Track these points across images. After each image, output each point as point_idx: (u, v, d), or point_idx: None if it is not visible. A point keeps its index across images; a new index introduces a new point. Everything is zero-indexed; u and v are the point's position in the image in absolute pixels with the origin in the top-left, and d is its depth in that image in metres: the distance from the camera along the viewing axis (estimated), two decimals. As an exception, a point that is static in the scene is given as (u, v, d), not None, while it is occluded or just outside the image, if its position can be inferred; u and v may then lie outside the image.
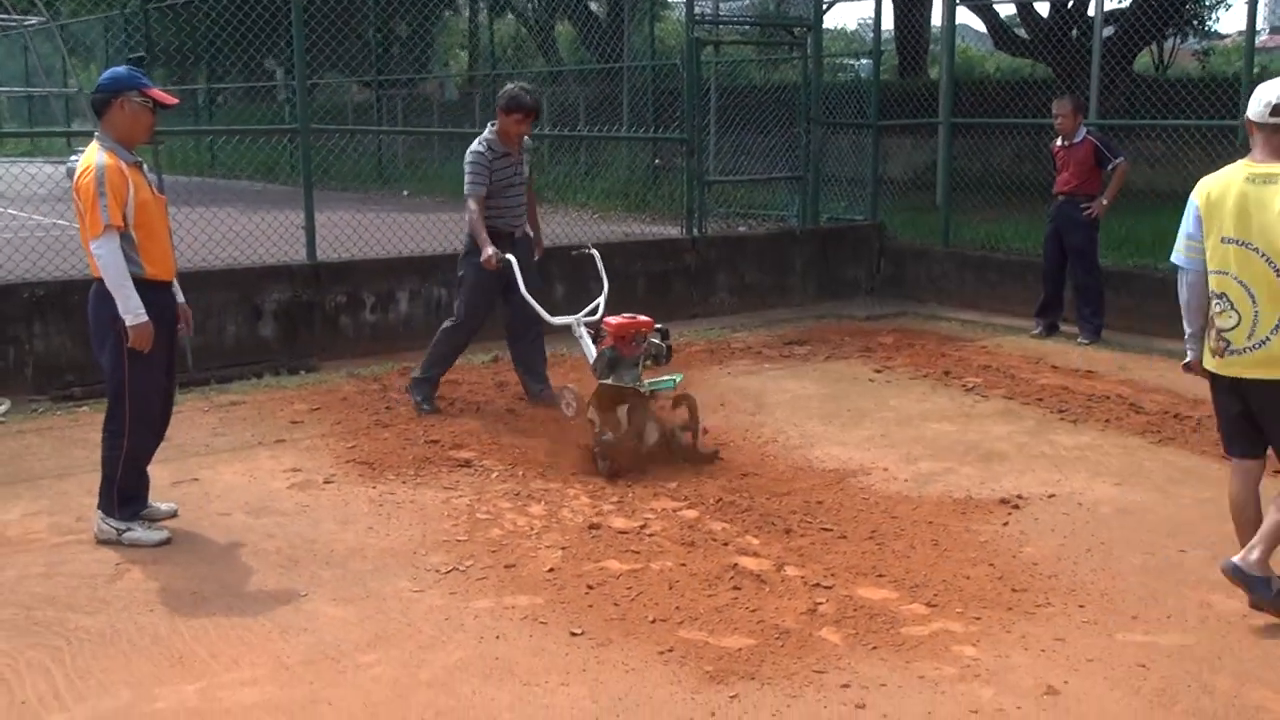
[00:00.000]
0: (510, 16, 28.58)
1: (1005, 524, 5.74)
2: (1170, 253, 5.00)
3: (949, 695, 4.08)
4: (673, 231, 12.06)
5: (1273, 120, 4.64)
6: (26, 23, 21.82)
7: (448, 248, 10.23)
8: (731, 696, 4.07)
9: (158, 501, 5.76)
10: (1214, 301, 4.77)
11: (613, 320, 6.59)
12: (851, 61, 17.17)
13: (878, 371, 8.99)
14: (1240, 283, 4.64)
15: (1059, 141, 10.25)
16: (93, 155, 5.31)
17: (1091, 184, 10.04)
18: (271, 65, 32.81)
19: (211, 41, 24.61)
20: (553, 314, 7.20)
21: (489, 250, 7.20)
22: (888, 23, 25.82)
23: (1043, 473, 6.53)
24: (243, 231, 9.55)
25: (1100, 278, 10.14)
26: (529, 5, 31.36)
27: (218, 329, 8.79)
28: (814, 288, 12.17)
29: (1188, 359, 5.05)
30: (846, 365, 9.25)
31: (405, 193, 19.46)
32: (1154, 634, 4.57)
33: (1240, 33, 42.80)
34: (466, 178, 7.44)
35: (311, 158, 9.56)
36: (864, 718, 3.94)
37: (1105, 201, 9.96)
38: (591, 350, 6.72)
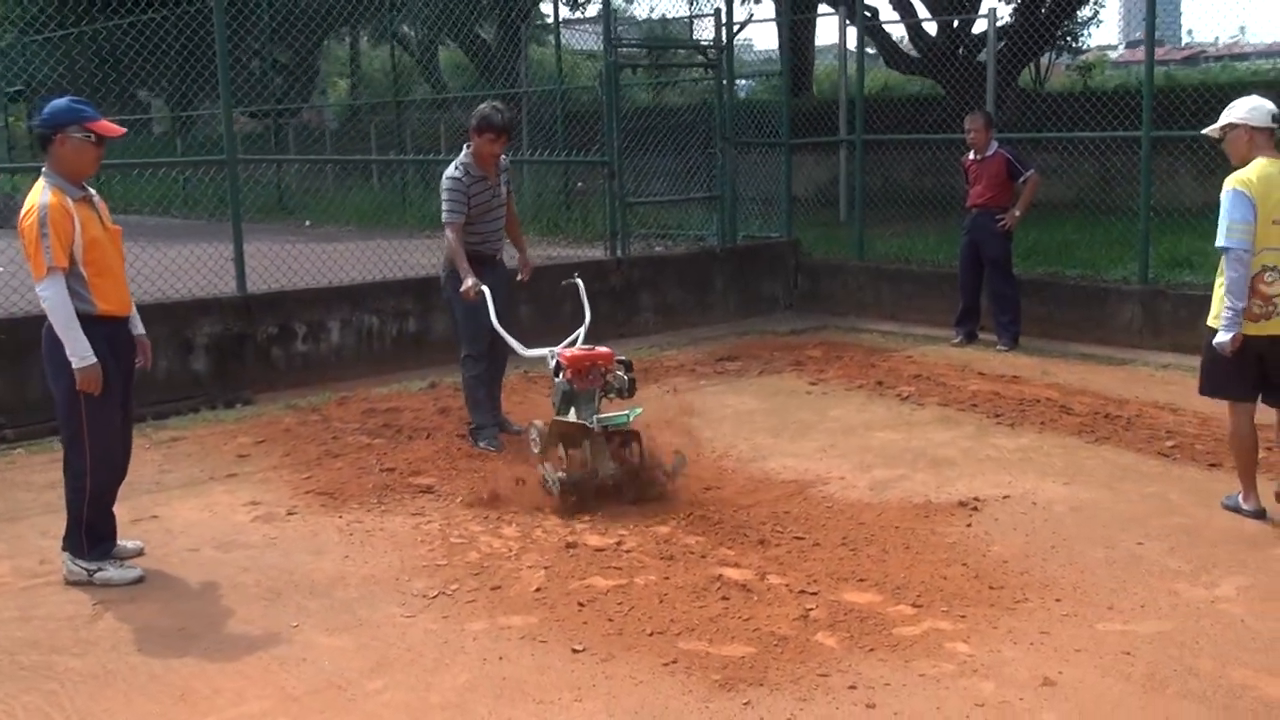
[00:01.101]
0: (392, 44, 28.44)
1: (969, 525, 5.92)
2: (1216, 238, 5.83)
3: (952, 690, 4.21)
4: (591, 254, 12.15)
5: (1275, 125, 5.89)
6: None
7: (375, 275, 10.21)
8: (744, 703, 4.14)
9: (123, 540, 5.65)
10: (1267, 273, 5.75)
11: (567, 352, 6.40)
12: (739, 81, 17.46)
13: (813, 384, 9.17)
14: None
15: (970, 155, 10.57)
16: (36, 194, 5.19)
17: (1004, 196, 10.38)
18: (146, 96, 32.25)
19: (91, 74, 24.11)
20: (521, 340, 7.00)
21: (469, 281, 6.96)
22: (769, 43, 26.24)
23: (993, 475, 6.74)
24: (162, 265, 9.36)
25: (1016, 286, 10.47)
26: (411, 32, 31.25)
27: (149, 363, 8.59)
28: (735, 305, 12.35)
29: (1230, 334, 5.80)
30: (781, 379, 9.42)
31: (307, 223, 19.22)
32: (1132, 623, 4.76)
33: (1100, 48, 44.35)
34: (444, 205, 7.18)
35: (239, 189, 9.41)
36: (876, 717, 4.04)
37: (1019, 213, 10.30)
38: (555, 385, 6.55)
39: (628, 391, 6.40)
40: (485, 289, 7.01)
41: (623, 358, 6.51)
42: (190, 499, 6.54)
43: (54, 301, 5.13)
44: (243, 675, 4.43)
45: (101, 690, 4.33)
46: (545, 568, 5.41)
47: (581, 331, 6.90)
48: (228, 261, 9.49)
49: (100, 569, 5.34)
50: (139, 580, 5.35)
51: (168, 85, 26.37)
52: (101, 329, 5.27)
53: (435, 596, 5.13)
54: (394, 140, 22.53)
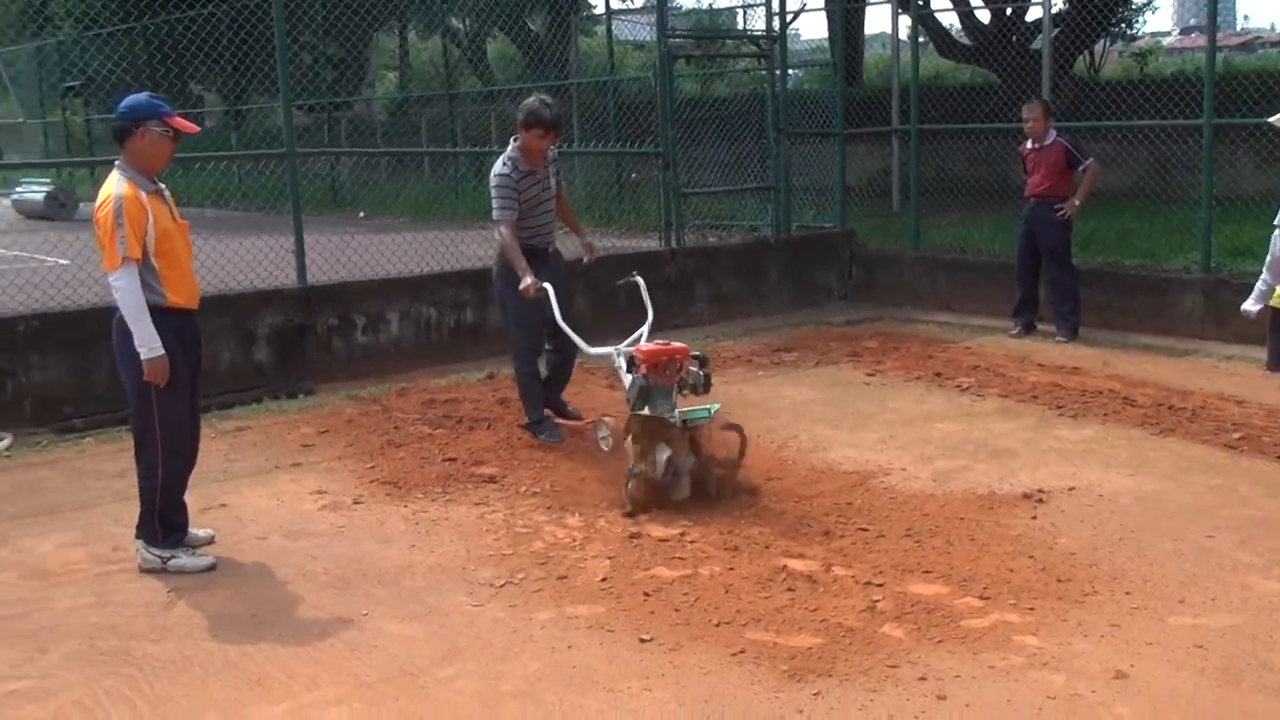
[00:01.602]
0: (438, 36, 28.50)
1: (1034, 517, 5.88)
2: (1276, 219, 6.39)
3: (1022, 683, 4.19)
4: (646, 244, 12.17)
5: None
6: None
7: (431, 267, 10.28)
8: (814, 694, 4.15)
9: (194, 528, 5.74)
10: None
11: (645, 347, 6.32)
12: (790, 72, 17.44)
13: (870, 375, 9.15)
14: None
15: (1028, 144, 10.48)
16: (111, 186, 5.27)
17: (1063, 185, 10.29)
18: (198, 90, 32.58)
19: (144, 69, 24.37)
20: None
21: (527, 280, 6.91)
22: (815, 32, 26.17)
23: (1056, 467, 6.70)
24: (224, 257, 9.46)
25: (1075, 276, 10.38)
26: (461, 24, 31.38)
27: (213, 354, 8.70)
28: (789, 295, 12.33)
29: (1259, 306, 6.73)
30: (838, 370, 9.40)
31: (361, 214, 19.38)
32: (1203, 616, 4.72)
33: (1153, 35, 43.89)
34: (495, 202, 7.11)
35: (299, 181, 9.51)
36: (947, 708, 4.04)
37: (1078, 202, 10.21)
38: (628, 381, 6.46)
39: (703, 387, 6.31)
40: (548, 286, 6.94)
41: (698, 353, 6.42)
42: (258, 488, 6.62)
43: (126, 291, 5.21)
44: (315, 662, 4.50)
45: (179, 675, 4.40)
46: (610, 558, 5.44)
47: (645, 329, 6.82)
48: (286, 253, 9.59)
49: (173, 556, 5.42)
50: (211, 568, 5.43)
51: (221, 79, 26.66)
52: (171, 321, 5.34)
53: (502, 585, 5.17)
54: (445, 132, 22.65)
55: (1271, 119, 6.47)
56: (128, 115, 5.35)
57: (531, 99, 7.20)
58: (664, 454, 5.98)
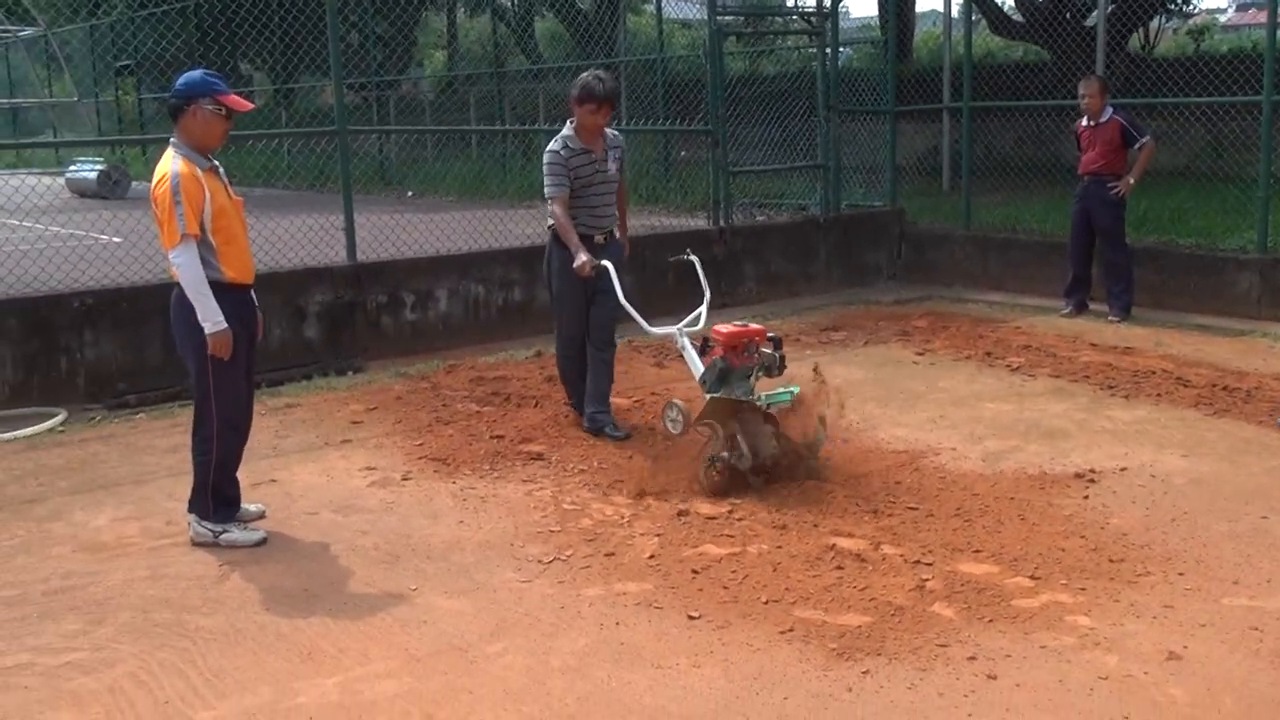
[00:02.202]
0: (486, 15, 28.47)
1: (1085, 497, 5.83)
2: None
3: (1075, 664, 4.16)
4: (693, 223, 12.14)
5: None
6: (21, 33, 21.68)
7: (479, 245, 10.31)
8: (864, 673, 4.13)
9: (246, 503, 5.79)
10: None
11: (723, 329, 6.12)
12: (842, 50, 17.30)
13: (919, 355, 9.09)
14: None
15: (1084, 121, 10.35)
16: (168, 163, 5.29)
17: (1118, 163, 10.16)
18: (247, 69, 32.80)
19: (195, 48, 24.56)
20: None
21: (582, 257, 6.67)
22: (864, 9, 25.92)
23: (1109, 447, 6.63)
24: (275, 235, 9.52)
25: (1129, 255, 10.26)
26: (509, 3, 31.39)
27: (263, 332, 8.78)
28: (838, 274, 12.27)
29: None
30: (887, 349, 9.34)
31: (409, 193, 19.45)
32: (1259, 599, 4.66)
33: (1208, 11, 43.09)
34: (545, 180, 6.92)
35: (349, 160, 9.54)
36: (997, 688, 4.01)
37: (1133, 180, 10.07)
38: (697, 362, 6.24)
39: (778, 369, 6.16)
40: (609, 265, 6.68)
41: (773, 334, 6.24)
42: (308, 464, 6.67)
43: (187, 268, 5.23)
44: (366, 636, 4.53)
45: (231, 648, 4.45)
46: (658, 535, 5.45)
47: (703, 309, 6.60)
48: (336, 231, 9.64)
49: (225, 530, 5.48)
50: (262, 542, 5.48)
51: (270, 58, 26.83)
52: (229, 296, 5.36)
53: (550, 562, 5.19)
54: (493, 110, 22.68)
55: None
56: (181, 93, 5.36)
57: (585, 74, 6.99)
58: (750, 441, 5.88)
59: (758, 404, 5.92)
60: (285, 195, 17.37)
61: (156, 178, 5.31)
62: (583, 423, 7.16)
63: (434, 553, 5.34)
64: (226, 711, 3.98)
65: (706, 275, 6.89)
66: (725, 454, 5.93)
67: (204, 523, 5.49)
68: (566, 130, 7.00)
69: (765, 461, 5.94)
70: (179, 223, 5.18)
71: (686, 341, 6.37)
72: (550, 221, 7.05)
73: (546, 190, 6.95)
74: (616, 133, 7.23)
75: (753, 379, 6.11)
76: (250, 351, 5.66)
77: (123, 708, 4.01)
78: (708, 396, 5.98)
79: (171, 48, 23.06)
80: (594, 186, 7.00)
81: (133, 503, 6.10)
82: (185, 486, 5.64)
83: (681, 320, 6.50)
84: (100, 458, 6.91)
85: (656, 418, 7.37)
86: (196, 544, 5.48)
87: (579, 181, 6.95)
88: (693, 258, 7.06)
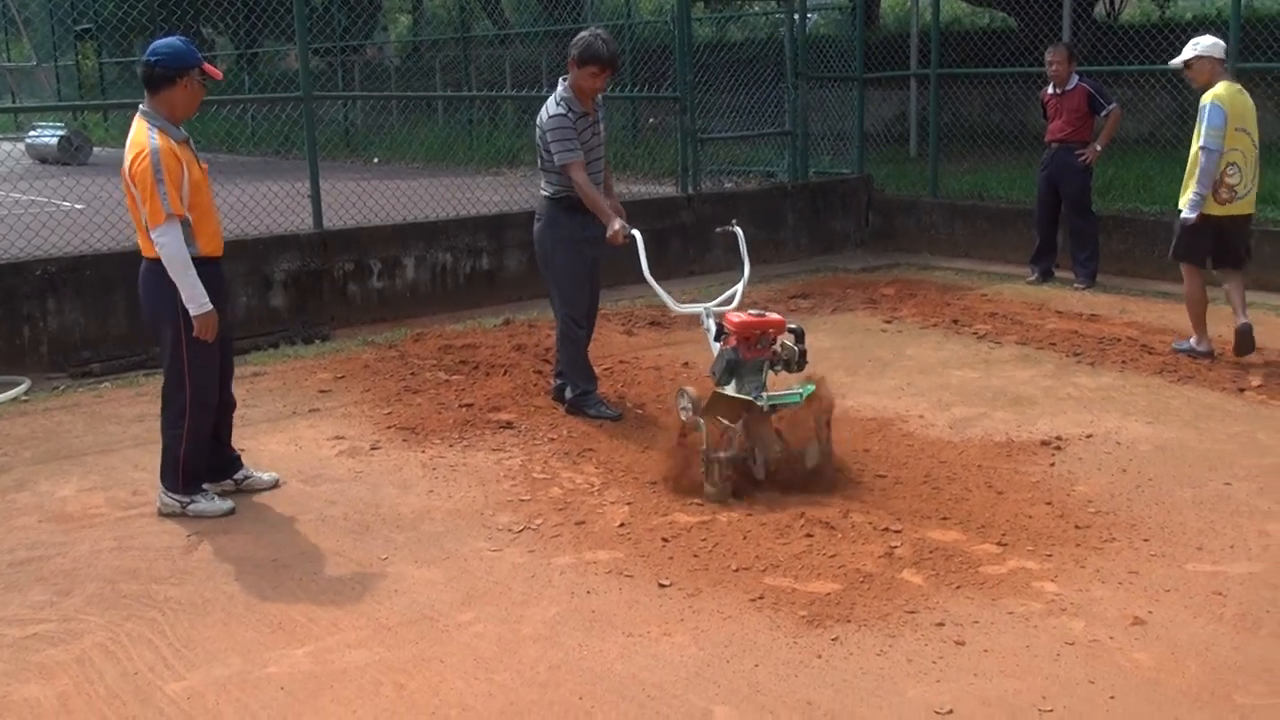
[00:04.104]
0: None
1: (1052, 464, 5.88)
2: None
3: (1041, 629, 4.20)
4: (661, 190, 12.13)
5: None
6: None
7: (446, 213, 10.25)
8: (833, 639, 4.16)
9: (260, 471, 5.83)
10: (1229, 169, 7.57)
11: (735, 317, 5.62)
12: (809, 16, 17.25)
13: (887, 322, 9.12)
14: (1244, 155, 7.60)
15: (1050, 89, 10.38)
16: (143, 136, 5.13)
17: (1084, 131, 10.21)
18: (209, 34, 32.39)
19: (157, 12, 24.23)
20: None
21: (616, 225, 6.26)
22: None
23: (1074, 414, 6.68)
24: (240, 202, 9.43)
25: (1095, 223, 10.32)
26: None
27: (229, 300, 8.73)
28: (806, 241, 12.29)
29: (1195, 214, 7.61)
30: (855, 317, 9.37)
31: (375, 159, 19.32)
32: (1222, 563, 4.72)
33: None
34: (554, 146, 6.43)
35: (314, 126, 9.46)
36: (965, 653, 4.05)
37: (1099, 147, 10.12)
38: (715, 347, 5.78)
39: (797, 364, 5.71)
40: (636, 233, 6.26)
41: (794, 326, 5.77)
42: (275, 433, 6.64)
43: (172, 248, 5.13)
44: (336, 605, 4.52)
45: (201, 618, 4.43)
46: (628, 504, 5.46)
47: (740, 287, 6.13)
48: (301, 198, 9.57)
49: (193, 501, 5.44)
50: (230, 512, 5.46)
51: (233, 22, 26.52)
52: (202, 271, 5.25)
53: (520, 531, 5.19)
54: (459, 76, 22.52)
55: (1173, 61, 7.83)
56: (171, 63, 5.19)
57: (586, 33, 6.51)
58: (750, 443, 5.44)
59: (758, 403, 5.44)
60: (249, 161, 17.23)
61: (132, 152, 5.15)
62: (564, 403, 6.95)
63: (404, 522, 5.33)
64: (196, 682, 3.96)
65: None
66: (723, 454, 5.42)
67: (171, 493, 5.45)
68: (563, 91, 6.57)
69: (768, 465, 5.53)
70: (163, 202, 5.07)
71: (712, 324, 5.88)
72: (548, 191, 6.69)
73: (558, 157, 6.45)
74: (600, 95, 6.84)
75: (765, 373, 5.67)
76: (225, 323, 5.57)
77: (91, 679, 3.99)
78: (714, 390, 5.58)
79: (134, 12, 22.78)
80: (593, 151, 6.64)
81: (98, 473, 6.05)
82: (152, 456, 5.61)
83: (708, 297, 6.09)
84: (65, 427, 6.85)
85: (626, 386, 7.40)
86: (164, 514, 5.45)
87: (582, 145, 6.53)
88: (736, 230, 6.53)
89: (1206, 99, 7.56)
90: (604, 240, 6.49)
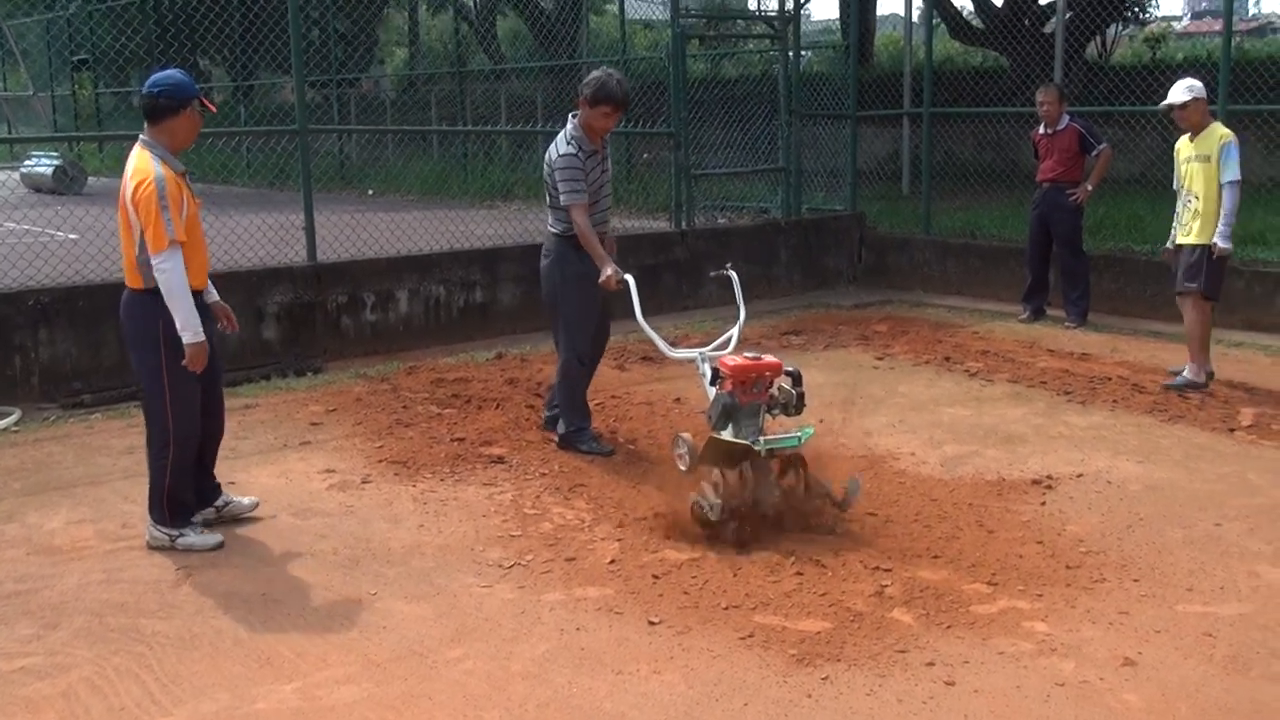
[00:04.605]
0: (449, 13, 28.34)
1: (1043, 503, 5.88)
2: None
3: (1032, 669, 4.19)
4: (654, 225, 12.17)
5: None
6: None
7: (440, 246, 10.28)
8: (823, 679, 4.15)
9: (239, 496, 5.84)
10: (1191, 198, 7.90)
11: (731, 360, 5.53)
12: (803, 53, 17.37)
13: (879, 359, 9.14)
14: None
15: (1041, 129, 10.44)
16: (147, 164, 5.17)
17: (1075, 170, 10.27)
18: (206, 65, 32.52)
19: (155, 44, 24.34)
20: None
21: (609, 270, 6.30)
22: (825, 13, 26.07)
23: (1065, 453, 6.69)
24: (234, 234, 9.45)
25: (1086, 262, 10.36)
26: (472, 1, 31.27)
27: (221, 332, 8.72)
28: (799, 278, 12.33)
29: (1229, 245, 7.80)
30: (847, 354, 9.39)
31: (370, 191, 19.36)
32: (1212, 604, 4.72)
33: (1164, 19, 43.66)
34: (562, 185, 6.43)
35: (310, 158, 9.50)
36: (955, 694, 4.04)
37: (1090, 187, 10.18)
38: (710, 393, 5.69)
39: (795, 408, 5.60)
40: (629, 278, 6.29)
41: (791, 368, 5.68)
42: (266, 466, 6.63)
43: (173, 275, 5.14)
44: (325, 641, 4.50)
45: (188, 653, 4.41)
46: (618, 540, 5.45)
47: (735, 331, 6.15)
48: (295, 230, 9.59)
49: (182, 534, 5.42)
50: (219, 546, 5.44)
51: (229, 54, 26.63)
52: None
53: (511, 567, 5.17)
54: (454, 110, 22.61)
55: (1163, 103, 7.94)
56: (174, 94, 5.25)
57: (599, 72, 6.51)
58: (722, 496, 5.30)
59: (756, 448, 5.34)
60: (244, 193, 17.26)
61: (135, 180, 5.17)
62: (555, 438, 6.92)
63: (394, 557, 5.31)
64: (183, 718, 3.94)
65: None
66: (717, 501, 5.29)
67: (160, 526, 5.43)
68: (573, 129, 6.54)
69: (767, 511, 5.38)
70: (167, 227, 5.10)
71: (707, 369, 5.80)
72: (556, 228, 6.67)
73: (564, 197, 6.45)
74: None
75: (761, 417, 5.58)
76: (214, 355, 5.57)
77: (77, 714, 3.97)
78: (710, 435, 5.52)
79: (131, 43, 22.88)
80: (602, 189, 6.65)
81: (88, 505, 6.03)
82: (141, 489, 5.60)
83: (692, 341, 6.17)
84: (55, 458, 6.83)
85: (618, 421, 7.40)
86: (152, 547, 5.43)
87: (592, 185, 6.56)
88: (731, 273, 6.62)
89: (1225, 138, 7.73)
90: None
